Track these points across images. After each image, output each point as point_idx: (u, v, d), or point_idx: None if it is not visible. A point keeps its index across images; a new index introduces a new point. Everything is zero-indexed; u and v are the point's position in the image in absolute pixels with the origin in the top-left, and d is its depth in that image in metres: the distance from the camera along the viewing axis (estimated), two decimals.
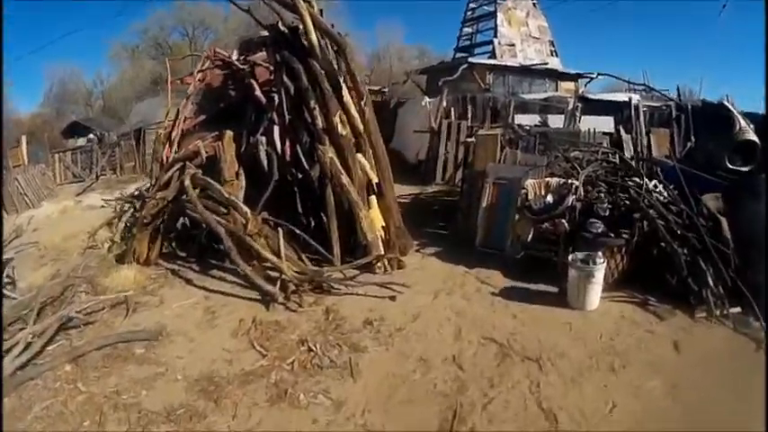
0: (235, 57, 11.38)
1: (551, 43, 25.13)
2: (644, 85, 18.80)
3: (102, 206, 14.57)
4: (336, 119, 7.87)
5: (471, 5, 25.66)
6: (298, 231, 8.03)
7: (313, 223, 8.67)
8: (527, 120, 15.55)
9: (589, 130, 14.51)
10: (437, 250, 8.91)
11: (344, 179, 7.78)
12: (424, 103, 17.29)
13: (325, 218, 8.15)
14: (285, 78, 8.57)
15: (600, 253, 6.52)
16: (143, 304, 7.11)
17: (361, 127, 8.30)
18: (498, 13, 23.51)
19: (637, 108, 15.50)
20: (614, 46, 75.64)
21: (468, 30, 26.13)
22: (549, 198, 7.61)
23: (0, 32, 18.02)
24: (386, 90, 25.45)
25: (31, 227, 13.67)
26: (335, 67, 8.15)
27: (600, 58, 75.54)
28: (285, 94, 8.72)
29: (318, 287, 7.27)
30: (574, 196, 7.31)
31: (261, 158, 8.90)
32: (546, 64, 22.65)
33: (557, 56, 24.81)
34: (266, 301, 6.87)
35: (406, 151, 18.27)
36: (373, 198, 8.26)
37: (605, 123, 15.40)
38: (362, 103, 8.08)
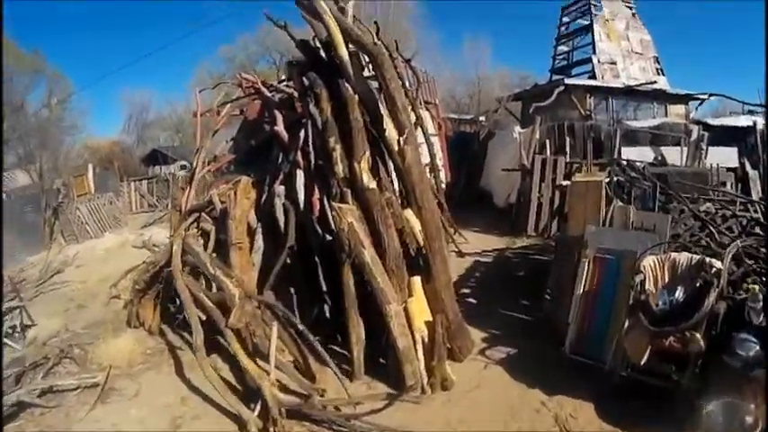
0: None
1: (656, 59, 20.95)
2: (761, 105, 15.22)
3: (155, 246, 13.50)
4: (362, 165, 5.58)
5: (564, 19, 22.26)
6: (300, 327, 5.69)
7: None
8: (636, 153, 12.46)
9: (712, 166, 11.33)
10: (509, 353, 6.26)
11: (367, 255, 5.39)
12: (515, 135, 14.49)
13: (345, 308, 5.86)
14: (312, 108, 6.43)
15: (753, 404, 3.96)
16: (118, 392, 6.25)
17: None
18: (595, 26, 19.79)
19: (763, 135, 12.44)
20: (716, 63, 67.85)
21: (563, 48, 22.49)
22: (679, 292, 4.84)
23: (0, 32, 17.59)
24: (482, 119, 22.97)
25: (77, 262, 13.77)
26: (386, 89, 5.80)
27: (699, 77, 66.32)
28: (313, 128, 6.68)
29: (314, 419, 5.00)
30: (716, 291, 4.59)
31: (277, 214, 6.86)
32: (654, 83, 18.90)
33: (663, 74, 20.43)
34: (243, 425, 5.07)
35: (495, 193, 15.69)
36: (417, 280, 5.81)
37: (729, 156, 12.25)
38: (402, 139, 5.62)
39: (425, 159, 11.76)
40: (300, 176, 6.96)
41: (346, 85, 6.08)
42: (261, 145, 8.74)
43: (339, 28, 5.80)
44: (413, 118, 10.72)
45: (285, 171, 7.24)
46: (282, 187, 7.03)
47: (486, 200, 16.39)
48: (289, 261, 6.66)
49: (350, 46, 5.96)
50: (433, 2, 52.87)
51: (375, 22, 8.67)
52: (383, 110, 6.03)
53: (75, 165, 21.71)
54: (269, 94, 8.64)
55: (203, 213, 8.30)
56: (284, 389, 5.50)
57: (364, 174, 5.53)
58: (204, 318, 6.72)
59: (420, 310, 5.61)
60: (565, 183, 8.76)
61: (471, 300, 8.23)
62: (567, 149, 13.11)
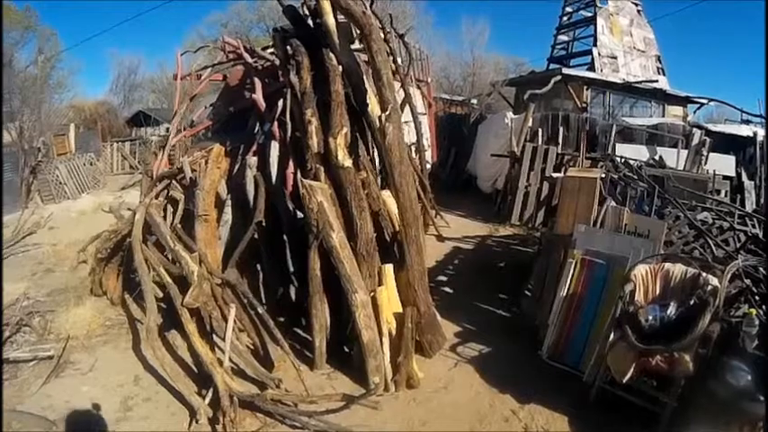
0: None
1: (658, 59, 20.43)
2: (761, 116, 14.70)
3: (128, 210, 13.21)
4: (339, 140, 5.13)
5: (567, 9, 21.45)
6: (260, 310, 5.30)
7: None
8: (631, 151, 12.08)
9: (708, 172, 11.08)
10: (482, 352, 5.86)
11: (335, 238, 4.94)
12: (507, 120, 13.96)
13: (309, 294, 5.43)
14: (293, 77, 5.95)
15: None
16: (73, 365, 5.94)
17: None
18: (598, 19, 19.16)
19: (763, 146, 12.08)
20: (719, 67, 66.36)
21: (563, 38, 21.82)
22: (671, 308, 4.44)
23: (0, 33, 17.02)
24: (474, 102, 22.46)
25: (50, 223, 13.43)
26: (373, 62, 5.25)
27: (700, 81, 64.97)
28: (292, 98, 6.21)
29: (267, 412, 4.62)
30: (711, 312, 4.21)
31: (247, 187, 6.44)
32: (655, 81, 18.39)
33: (664, 74, 20.03)
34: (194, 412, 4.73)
35: (481, 177, 15.34)
36: (389, 268, 5.40)
37: (726, 164, 11.92)
38: (384, 116, 5.12)
39: (411, 138, 11.37)
40: (275, 148, 6.53)
41: (331, 54, 5.65)
42: (239, 113, 8.28)
43: None
44: (401, 95, 10.33)
45: (259, 141, 6.82)
46: (255, 158, 6.61)
47: (472, 184, 16.09)
48: (257, 237, 6.26)
49: (338, 15, 5.53)
50: None
51: None
52: (368, 84, 5.63)
53: (59, 124, 21.01)
54: (250, 60, 8.15)
55: (174, 181, 7.90)
56: (243, 374, 5.22)
57: (339, 150, 5.08)
58: (162, 294, 6.41)
59: (390, 300, 5.21)
60: (555, 174, 8.35)
61: (447, 289, 7.90)
62: (560, 140, 12.71)
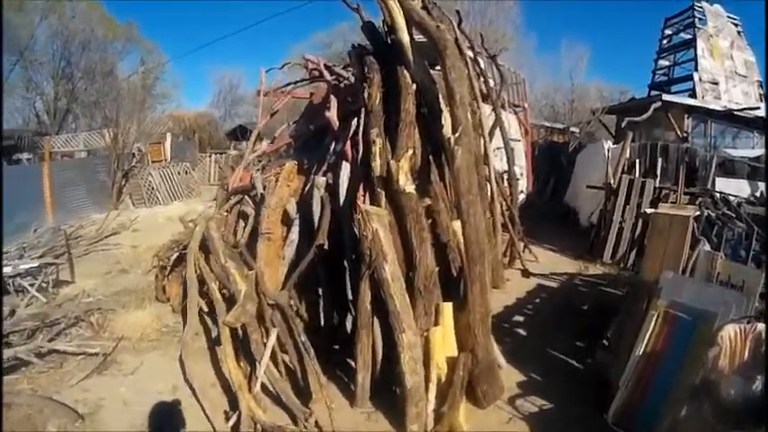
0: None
1: (760, 84, 18.75)
2: None
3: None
4: (401, 163, 4.77)
5: (667, 32, 20.33)
6: (302, 339, 4.99)
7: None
8: (732, 187, 10.94)
9: None
10: (542, 409, 5.14)
11: (387, 270, 4.51)
12: (604, 150, 13.07)
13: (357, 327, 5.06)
14: (366, 95, 5.70)
15: None
16: (118, 366, 6.07)
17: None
18: (698, 41, 17.86)
19: None
20: None
21: (664, 63, 20.58)
22: (758, 382, 3.69)
23: (0, 32, 17.81)
24: (574, 130, 21.61)
25: (135, 226, 14.08)
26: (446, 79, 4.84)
27: None
28: (366, 117, 5.92)
29: None
30: None
31: (313, 207, 6.20)
32: (757, 108, 16.83)
33: (767, 101, 18.22)
34: None
35: (579, 209, 14.28)
36: (448, 307, 4.95)
37: None
38: (453, 138, 4.64)
39: (504, 166, 10.86)
40: (346, 169, 6.24)
41: (405, 72, 5.38)
42: (319, 131, 8.15)
43: (401, 9, 5.09)
44: (491, 119, 9.87)
45: (330, 161, 6.58)
46: (323, 178, 6.37)
47: (569, 216, 15.06)
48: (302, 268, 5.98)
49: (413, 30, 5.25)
50: (532, 2, 51.17)
51: (457, 11, 7.88)
52: (444, 105, 5.26)
53: (158, 132, 22.06)
54: (329, 78, 7.99)
55: (247, 196, 7.85)
56: (280, 401, 4.94)
57: (401, 174, 4.72)
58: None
59: (445, 342, 4.75)
60: (649, 210, 7.55)
61: (521, 331, 7.23)
62: (658, 172, 11.68)
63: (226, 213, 7.96)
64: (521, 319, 7.73)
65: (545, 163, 17.64)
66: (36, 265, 8.55)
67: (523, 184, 14.81)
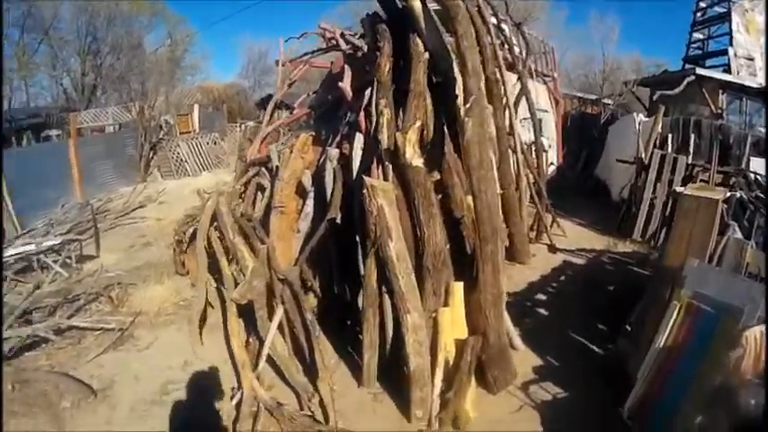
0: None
1: None
2: None
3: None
4: (408, 136, 4.53)
5: (701, 4, 19.16)
6: (308, 317, 4.83)
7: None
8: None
9: None
10: (555, 397, 4.90)
11: (392, 248, 4.31)
12: (636, 123, 12.57)
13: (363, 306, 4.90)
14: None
15: None
16: (134, 341, 6.19)
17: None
18: (733, 15, 16.89)
19: None
20: None
21: (698, 36, 19.56)
22: None
23: (0, 32, 17.75)
24: (608, 102, 20.92)
25: (162, 198, 14.10)
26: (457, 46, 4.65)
27: None
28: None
29: None
30: None
31: (326, 179, 6.03)
32: None
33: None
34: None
35: (610, 183, 13.82)
36: (458, 287, 4.71)
37: None
38: (464, 109, 4.42)
39: (528, 137, 10.50)
40: (359, 140, 6.03)
41: (417, 40, 5.12)
42: (336, 101, 7.94)
43: None
44: (516, 88, 9.51)
45: (343, 132, 6.37)
46: (336, 150, 6.17)
47: (600, 190, 14.55)
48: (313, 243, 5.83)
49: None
50: None
51: None
52: (458, 73, 4.97)
53: (187, 104, 22.09)
54: (345, 47, 7.74)
55: (264, 168, 7.73)
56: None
57: (408, 147, 4.47)
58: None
59: (454, 323, 4.54)
60: (678, 189, 7.11)
61: (542, 311, 6.98)
62: (691, 149, 11.17)
63: (242, 186, 7.87)
64: (543, 297, 7.47)
65: (577, 135, 17.08)
66: (59, 241, 8.65)
67: (553, 156, 14.39)
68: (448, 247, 4.81)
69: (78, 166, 13.64)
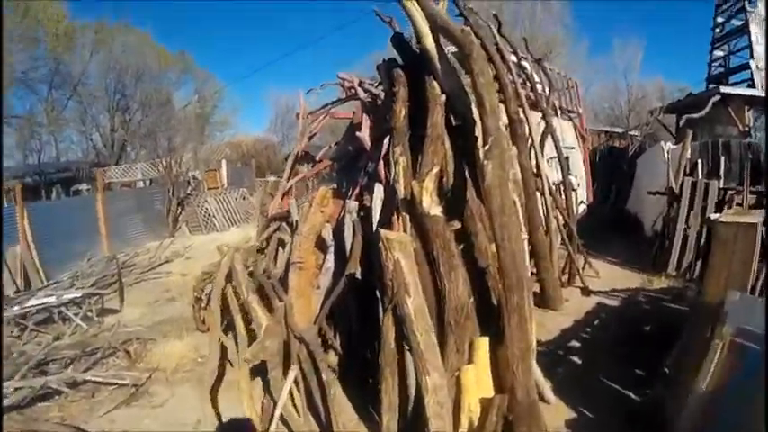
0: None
1: None
2: None
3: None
4: (426, 184, 4.34)
5: (718, 20, 19.20)
6: (324, 377, 4.60)
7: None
8: None
9: None
10: None
11: (410, 305, 4.01)
12: (664, 152, 12.27)
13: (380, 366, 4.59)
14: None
15: None
16: (148, 397, 6.12)
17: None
18: (751, 26, 16.86)
19: None
20: None
21: (718, 53, 19.57)
22: None
23: (0, 33, 18.12)
24: (634, 133, 20.61)
25: (188, 253, 14.19)
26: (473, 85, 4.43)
27: None
28: None
29: None
30: None
31: (345, 233, 5.88)
32: None
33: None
34: None
35: (642, 217, 13.49)
36: (483, 342, 4.38)
37: None
38: (483, 151, 4.19)
39: (556, 177, 10.27)
40: (379, 191, 5.87)
41: (433, 83, 5.01)
42: (357, 152, 7.87)
43: (424, 15, 4.73)
44: (541, 126, 9.34)
45: (362, 184, 6.24)
46: (355, 203, 6.04)
47: (632, 225, 14.14)
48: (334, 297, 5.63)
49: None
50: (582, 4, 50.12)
51: (494, 15, 7.42)
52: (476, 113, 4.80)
53: (216, 159, 22.44)
54: (363, 96, 7.68)
55: (285, 223, 7.64)
56: None
57: (425, 195, 4.28)
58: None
59: (479, 382, 4.22)
60: (713, 216, 6.72)
61: (575, 359, 6.58)
62: (722, 172, 10.70)
63: (264, 242, 7.79)
64: (576, 344, 7.08)
65: (606, 170, 16.82)
66: (80, 294, 8.73)
67: (582, 195, 14.09)
68: (472, 299, 4.54)
69: (106, 220, 13.94)
